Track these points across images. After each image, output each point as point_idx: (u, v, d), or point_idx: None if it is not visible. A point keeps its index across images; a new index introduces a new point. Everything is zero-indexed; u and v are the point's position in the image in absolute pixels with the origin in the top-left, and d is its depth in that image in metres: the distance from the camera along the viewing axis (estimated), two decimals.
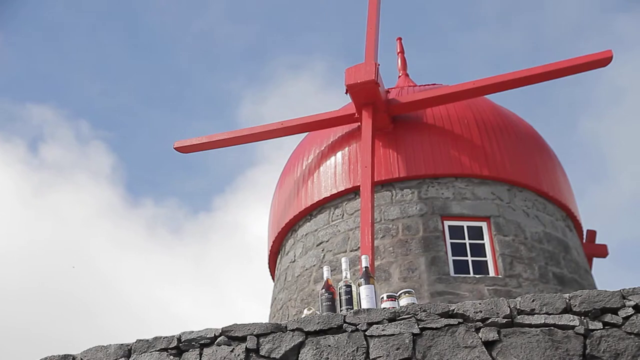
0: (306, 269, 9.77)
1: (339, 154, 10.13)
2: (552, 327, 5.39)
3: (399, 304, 5.95)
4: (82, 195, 28.66)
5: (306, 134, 11.06)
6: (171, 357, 5.71)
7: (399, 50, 12.38)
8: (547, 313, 5.47)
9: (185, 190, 30.96)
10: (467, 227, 9.33)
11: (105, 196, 29.24)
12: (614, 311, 5.47)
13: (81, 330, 24.03)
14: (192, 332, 5.77)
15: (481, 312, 5.51)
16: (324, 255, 9.59)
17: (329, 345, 5.48)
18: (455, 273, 8.87)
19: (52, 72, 28.98)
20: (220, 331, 5.71)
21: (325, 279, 6.38)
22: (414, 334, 5.45)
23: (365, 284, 6.14)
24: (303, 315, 6.12)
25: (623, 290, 5.55)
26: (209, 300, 26.99)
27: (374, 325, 5.54)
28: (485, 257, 9.09)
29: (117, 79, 29.92)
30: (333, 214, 9.86)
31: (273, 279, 11.22)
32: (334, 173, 10.00)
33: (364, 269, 6.32)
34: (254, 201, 30.11)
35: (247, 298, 27.05)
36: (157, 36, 29.87)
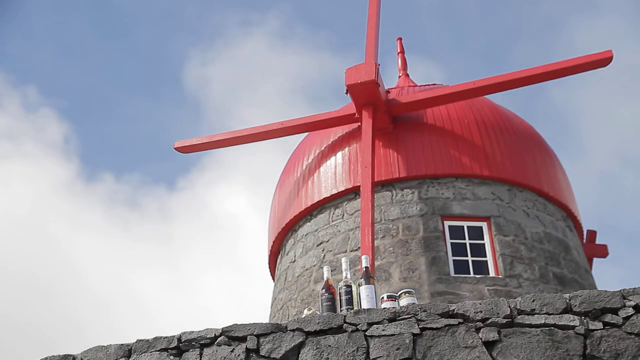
0: (306, 269, 9.77)
1: (339, 154, 10.13)
2: (552, 327, 5.40)
3: (399, 304, 5.95)
4: (33, 168, 27.21)
5: (306, 134, 11.06)
6: (171, 357, 5.71)
7: (399, 50, 12.38)
8: (547, 313, 5.47)
9: (149, 164, 29.49)
10: (468, 227, 9.33)
11: (59, 170, 27.70)
12: (614, 311, 5.47)
13: (44, 311, 23.46)
14: (193, 332, 5.78)
15: (481, 312, 5.51)
16: (324, 255, 9.59)
17: (329, 346, 5.48)
18: (455, 273, 8.87)
19: None
20: (220, 331, 5.72)
21: (325, 279, 6.38)
22: (414, 334, 5.46)
23: (366, 284, 6.14)
24: (303, 315, 6.13)
25: (623, 290, 5.56)
26: (173, 281, 26.38)
27: (374, 326, 5.54)
28: (486, 257, 9.09)
29: (64, 41, 28.11)
30: (333, 214, 9.87)
31: (273, 279, 11.23)
32: (334, 173, 10.01)
33: (364, 269, 6.32)
34: (221, 180, 29.19)
35: (212, 280, 26.37)
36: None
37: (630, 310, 5.44)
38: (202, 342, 5.70)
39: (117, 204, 28.45)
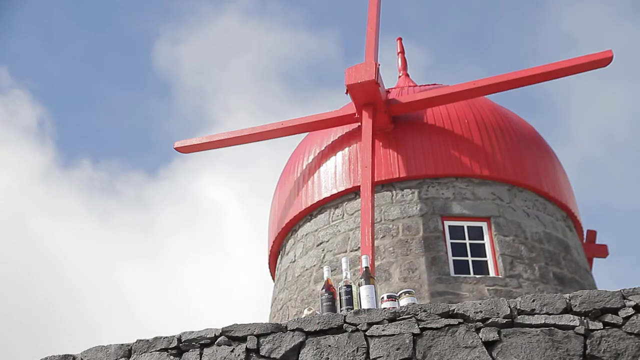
0: (306, 269, 9.77)
1: (339, 154, 10.13)
2: (552, 327, 5.40)
3: (399, 304, 5.95)
4: (6, 152, 26.19)
5: (306, 134, 11.07)
6: (171, 357, 5.72)
7: (399, 50, 12.38)
8: (547, 313, 5.48)
9: (128, 150, 28.54)
10: (468, 227, 9.33)
11: (33, 155, 26.75)
12: (614, 311, 5.47)
13: (21, 301, 22.96)
14: (193, 332, 5.79)
15: (481, 312, 5.51)
16: (324, 255, 9.59)
17: (329, 346, 5.48)
18: (455, 273, 8.87)
19: None
20: (220, 331, 5.72)
21: (325, 279, 6.39)
22: (414, 334, 5.46)
23: (366, 284, 6.15)
24: (303, 315, 6.13)
25: (623, 290, 5.56)
26: (154, 270, 25.92)
27: (374, 326, 5.55)
28: (486, 257, 9.09)
29: (35, 21, 27.20)
30: (333, 214, 9.87)
31: (273, 279, 11.24)
32: (334, 173, 10.01)
33: (364, 269, 6.32)
34: (203, 167, 28.67)
35: (193, 268, 25.97)
36: None
37: (630, 310, 5.44)
38: (202, 342, 5.71)
39: (95, 192, 27.74)
